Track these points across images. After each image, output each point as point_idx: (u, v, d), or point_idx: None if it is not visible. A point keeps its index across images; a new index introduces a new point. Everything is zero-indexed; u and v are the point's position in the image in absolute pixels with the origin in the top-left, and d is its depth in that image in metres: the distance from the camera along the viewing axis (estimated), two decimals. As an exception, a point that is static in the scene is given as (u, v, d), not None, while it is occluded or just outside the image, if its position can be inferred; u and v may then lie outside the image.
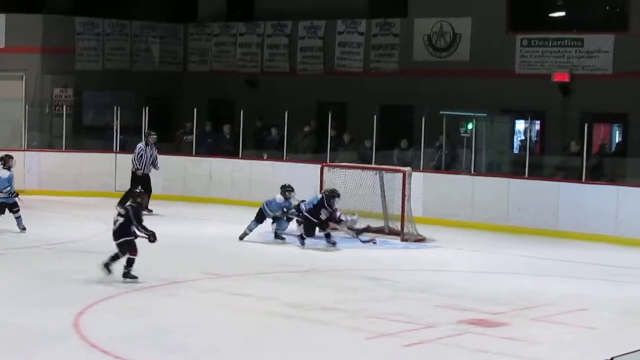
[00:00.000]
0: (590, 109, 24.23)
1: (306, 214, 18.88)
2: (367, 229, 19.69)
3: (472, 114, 24.04)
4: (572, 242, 20.34)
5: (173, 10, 31.65)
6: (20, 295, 13.75)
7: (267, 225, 19.54)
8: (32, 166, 25.54)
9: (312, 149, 25.82)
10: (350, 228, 19.21)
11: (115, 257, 14.76)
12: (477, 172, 22.91)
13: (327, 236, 18.80)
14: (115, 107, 26.22)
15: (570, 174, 22.32)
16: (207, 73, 30.70)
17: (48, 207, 19.56)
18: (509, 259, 18.57)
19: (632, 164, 23.03)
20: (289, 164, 24.74)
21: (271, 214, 19.32)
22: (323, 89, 28.13)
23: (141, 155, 22.97)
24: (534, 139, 25.73)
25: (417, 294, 14.66)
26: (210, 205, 24.11)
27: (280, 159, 25.16)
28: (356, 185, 19.82)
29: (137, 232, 14.77)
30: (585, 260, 18.33)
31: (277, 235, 19.34)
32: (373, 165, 22.39)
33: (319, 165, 21.62)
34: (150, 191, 22.58)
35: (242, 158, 25.61)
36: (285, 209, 19.26)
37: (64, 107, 27.43)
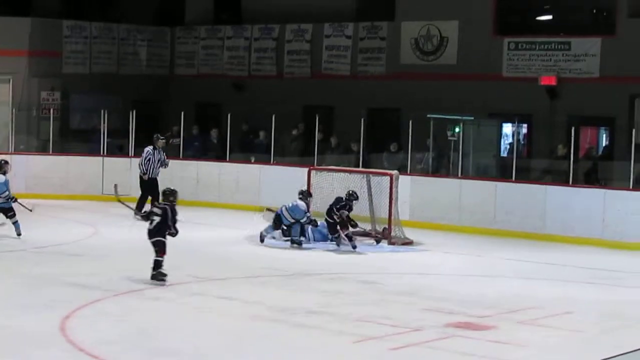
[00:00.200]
0: (577, 112, 24.28)
1: (326, 217, 18.98)
2: (355, 233, 19.70)
3: (459, 117, 24.03)
4: (559, 246, 20.38)
5: (160, 14, 31.66)
6: (6, 298, 13.68)
7: (256, 229, 19.55)
8: (19, 169, 25.43)
9: (300, 153, 25.82)
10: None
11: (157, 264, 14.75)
12: (465, 176, 22.93)
13: (349, 238, 18.92)
14: (102, 111, 26.19)
15: (557, 178, 22.37)
16: (194, 76, 30.68)
17: (35, 211, 19.49)
18: (495, 262, 18.59)
19: (619, 168, 23.03)
20: (276, 167, 24.73)
21: (292, 220, 19.19)
22: (310, 92, 28.12)
23: (149, 159, 22.67)
24: (521, 142, 25.79)
25: (403, 298, 14.66)
26: (198, 209, 24.08)
27: (267, 162, 25.09)
28: (343, 189, 19.82)
29: (168, 230, 14.75)
30: (571, 264, 18.38)
31: (294, 241, 19.11)
32: (360, 169, 22.41)
33: (307, 169, 21.60)
34: (158, 195, 22.37)
35: (230, 161, 25.56)
36: (308, 216, 19.20)
37: (51, 110, 27.30)
